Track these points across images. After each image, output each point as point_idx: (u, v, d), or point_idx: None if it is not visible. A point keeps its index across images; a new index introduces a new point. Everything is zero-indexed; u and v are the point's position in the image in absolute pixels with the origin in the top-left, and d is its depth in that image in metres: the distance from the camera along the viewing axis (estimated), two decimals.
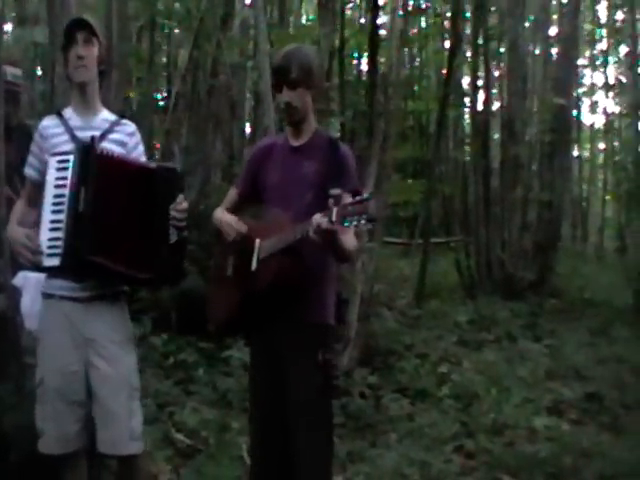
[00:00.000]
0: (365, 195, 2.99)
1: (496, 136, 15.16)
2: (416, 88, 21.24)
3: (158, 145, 10.60)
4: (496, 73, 14.50)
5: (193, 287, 7.32)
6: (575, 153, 27.11)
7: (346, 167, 3.50)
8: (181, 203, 3.54)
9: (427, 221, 12.67)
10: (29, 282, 4.10)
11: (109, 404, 3.47)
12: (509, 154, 12.76)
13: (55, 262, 3.37)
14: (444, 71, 14.65)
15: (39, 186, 3.57)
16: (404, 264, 14.42)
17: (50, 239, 3.37)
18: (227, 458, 5.05)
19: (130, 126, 3.78)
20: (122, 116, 3.85)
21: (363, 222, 2.95)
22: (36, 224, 3.50)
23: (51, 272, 3.51)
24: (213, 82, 9.92)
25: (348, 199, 3.04)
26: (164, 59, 14.89)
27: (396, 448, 5.71)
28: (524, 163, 12.88)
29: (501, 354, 8.57)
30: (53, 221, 3.39)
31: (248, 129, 16.91)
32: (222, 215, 3.72)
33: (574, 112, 22.27)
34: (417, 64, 23.19)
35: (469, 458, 5.70)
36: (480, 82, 13.40)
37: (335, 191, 3.10)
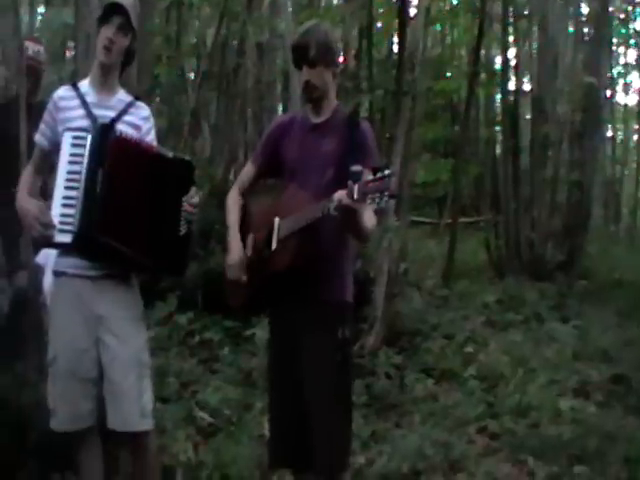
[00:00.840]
0: (386, 172, 2.95)
1: (527, 116, 14.99)
2: (448, 67, 21.08)
3: None
4: (527, 52, 14.36)
5: (219, 265, 7.33)
6: (608, 134, 26.84)
7: (366, 144, 3.47)
8: (193, 196, 3.56)
9: (455, 200, 12.58)
10: (51, 259, 4.12)
11: (119, 381, 3.48)
12: (539, 133, 12.64)
13: (67, 239, 3.37)
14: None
15: (48, 155, 3.61)
16: (433, 243, 14.35)
17: (62, 215, 3.37)
18: (246, 437, 5.05)
19: (145, 109, 3.77)
20: (137, 98, 3.83)
21: (385, 199, 2.93)
22: (43, 193, 3.50)
23: (62, 248, 3.51)
24: (240, 61, 9.89)
25: (369, 176, 3.02)
26: (194, 38, 14.85)
27: (419, 428, 5.69)
28: (554, 142, 12.75)
29: (528, 335, 8.48)
30: (66, 197, 3.38)
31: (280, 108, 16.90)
32: (233, 222, 3.71)
33: (607, 92, 22.05)
34: (449, 42, 23.04)
35: (493, 439, 5.66)
36: (510, 61, 13.27)
37: (356, 168, 3.08)
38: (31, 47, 5.29)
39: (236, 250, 3.63)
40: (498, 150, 15.79)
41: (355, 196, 2.97)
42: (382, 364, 7.02)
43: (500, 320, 9.23)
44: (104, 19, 3.57)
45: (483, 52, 14.99)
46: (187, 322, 7.36)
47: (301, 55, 3.48)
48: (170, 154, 3.69)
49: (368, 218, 3.27)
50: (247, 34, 9.38)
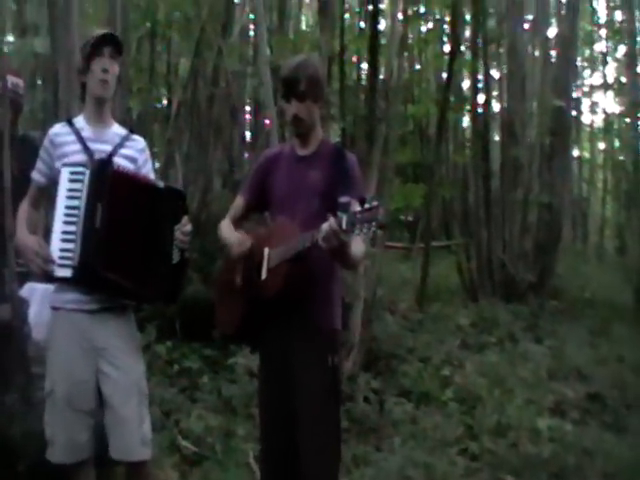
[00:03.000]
0: (374, 203, 3.01)
1: (496, 138, 15.18)
2: (416, 92, 21.27)
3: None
4: (496, 75, 14.54)
5: (197, 295, 7.37)
6: (575, 153, 27.18)
7: (352, 175, 3.55)
8: (185, 225, 3.61)
9: (428, 225, 12.69)
10: (36, 293, 4.18)
11: (121, 411, 3.53)
12: (509, 156, 12.80)
13: (67, 273, 3.41)
14: (444, 75, 14.71)
15: (45, 191, 3.66)
16: (405, 268, 14.44)
17: (62, 249, 3.41)
18: (233, 465, 5.08)
19: (140, 142, 3.83)
20: (131, 130, 3.90)
21: (373, 229, 2.99)
22: (40, 229, 3.55)
23: (62, 283, 3.55)
24: (214, 90, 9.96)
25: (357, 207, 3.10)
26: (164, 68, 14.89)
27: (400, 451, 5.74)
28: (524, 165, 12.93)
29: (503, 356, 8.59)
30: (65, 232, 3.42)
31: (248, 135, 16.97)
32: (228, 232, 3.78)
33: (573, 112, 22.33)
34: (417, 68, 23.24)
35: (473, 460, 5.73)
36: (480, 85, 13.41)
37: (344, 199, 3.14)
38: (10, 79, 5.35)
39: (234, 235, 3.70)
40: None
41: (344, 226, 3.03)
42: (360, 389, 7.05)
43: (475, 342, 9.35)
44: (95, 52, 3.62)
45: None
46: (166, 351, 7.35)
47: (291, 89, 3.54)
48: (161, 184, 3.75)
49: (356, 247, 3.34)
50: (222, 62, 9.42)
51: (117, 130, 3.80)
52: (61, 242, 3.43)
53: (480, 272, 12.46)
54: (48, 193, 3.63)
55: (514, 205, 12.71)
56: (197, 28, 9.37)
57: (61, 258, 3.41)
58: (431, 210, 13.81)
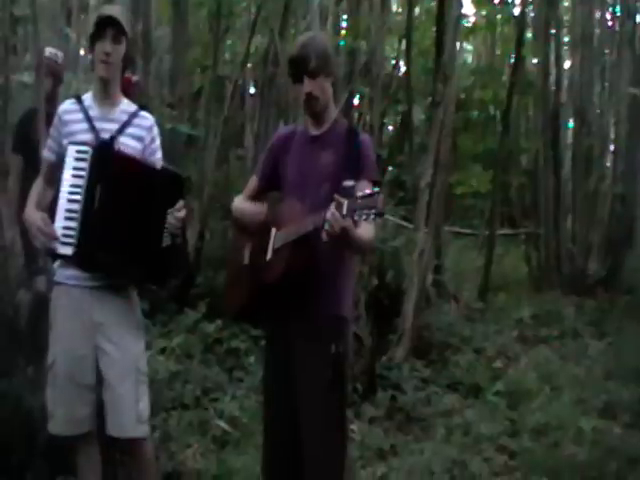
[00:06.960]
0: (375, 188, 3.00)
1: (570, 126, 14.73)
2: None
3: None
4: (569, 62, 14.12)
5: None
6: None
7: (364, 157, 3.47)
8: (179, 210, 3.59)
9: (492, 212, 12.36)
10: None
11: (116, 388, 3.56)
12: (582, 145, 12.43)
13: (68, 251, 3.45)
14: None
15: (56, 168, 3.63)
16: (477, 255, 14.18)
17: (65, 227, 3.45)
18: (252, 447, 4.98)
19: (148, 119, 3.82)
20: (142, 107, 3.89)
21: (372, 216, 2.93)
22: (52, 206, 3.54)
23: (64, 260, 3.59)
24: (275, 71, 9.95)
25: (364, 190, 3.03)
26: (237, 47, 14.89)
27: (436, 444, 5.63)
28: (597, 154, 12.54)
29: (561, 351, 8.35)
30: (68, 210, 3.46)
31: None
32: (242, 205, 3.76)
33: None
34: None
35: (511, 458, 5.57)
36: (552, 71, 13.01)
37: (348, 183, 3.08)
38: (48, 50, 5.43)
39: (248, 206, 3.74)
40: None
41: (344, 212, 2.97)
42: (408, 377, 6.97)
43: (534, 335, 9.13)
44: (97, 34, 3.62)
45: (535, 61, 14.65)
46: (216, 330, 7.34)
47: (301, 67, 3.46)
48: (158, 166, 3.75)
49: (364, 230, 3.23)
50: (282, 44, 9.41)
51: (125, 107, 3.80)
52: (65, 220, 3.46)
53: (548, 263, 12.12)
54: (59, 171, 3.61)
55: (586, 196, 12.31)
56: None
57: (64, 236, 3.44)
58: (505, 197, 13.46)
